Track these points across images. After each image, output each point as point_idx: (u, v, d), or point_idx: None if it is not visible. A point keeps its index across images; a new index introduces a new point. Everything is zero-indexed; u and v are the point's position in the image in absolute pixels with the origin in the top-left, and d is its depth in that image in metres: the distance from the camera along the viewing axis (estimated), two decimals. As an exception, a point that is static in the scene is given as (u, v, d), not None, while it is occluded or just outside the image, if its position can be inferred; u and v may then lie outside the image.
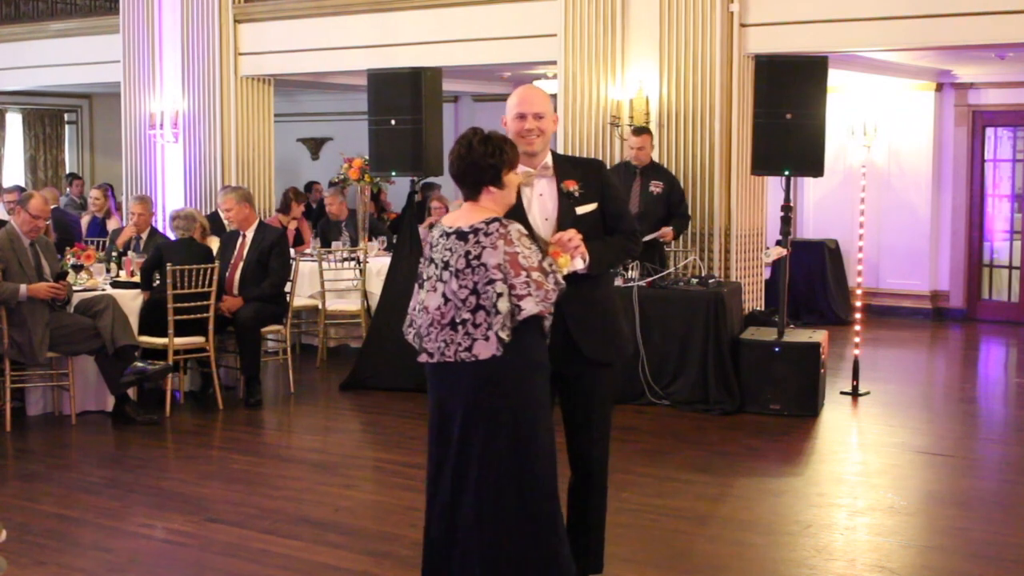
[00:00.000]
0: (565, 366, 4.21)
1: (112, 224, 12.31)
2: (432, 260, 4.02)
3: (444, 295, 3.95)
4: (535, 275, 3.88)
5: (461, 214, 4.03)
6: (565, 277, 4.03)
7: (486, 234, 3.90)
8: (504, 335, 3.87)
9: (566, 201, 4.20)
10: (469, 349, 3.89)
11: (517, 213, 4.16)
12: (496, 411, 3.92)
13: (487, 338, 3.88)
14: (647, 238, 8.15)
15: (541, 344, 4.01)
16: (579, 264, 4.07)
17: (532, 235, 4.08)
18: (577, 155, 9.58)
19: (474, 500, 3.95)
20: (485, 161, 3.95)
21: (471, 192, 4.02)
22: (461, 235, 3.95)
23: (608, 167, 9.03)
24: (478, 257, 3.89)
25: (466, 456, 3.97)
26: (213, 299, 8.04)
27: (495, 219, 3.93)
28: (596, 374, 4.28)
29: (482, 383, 3.91)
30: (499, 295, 3.87)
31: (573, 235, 4.06)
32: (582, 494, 4.38)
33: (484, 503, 3.95)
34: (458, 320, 3.91)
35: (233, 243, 8.57)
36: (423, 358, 4.04)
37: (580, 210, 4.20)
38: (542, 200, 4.24)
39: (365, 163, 10.17)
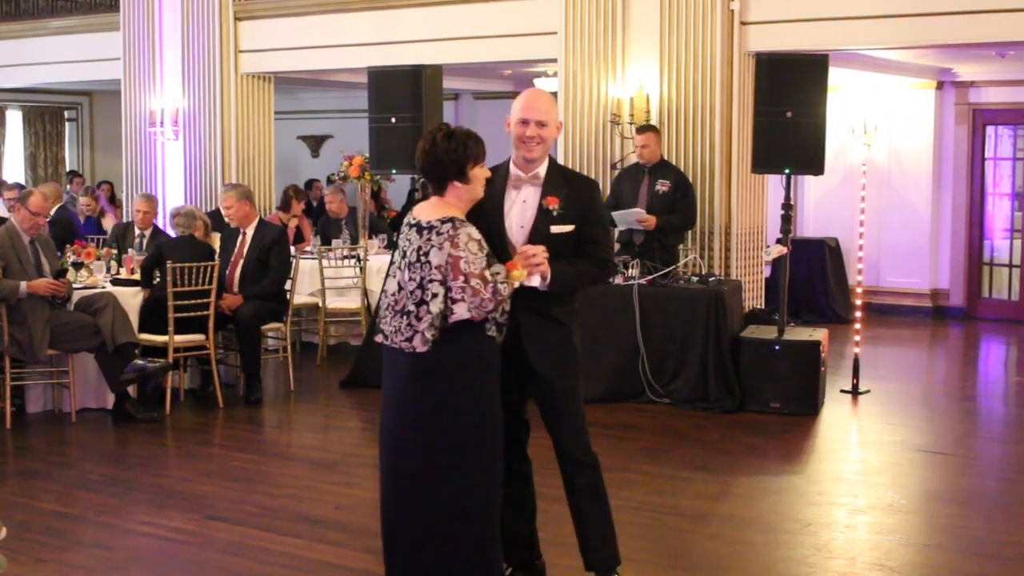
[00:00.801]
0: (520, 373, 4.24)
1: (108, 222, 12.30)
2: (398, 247, 4.13)
3: (399, 283, 4.06)
4: (474, 282, 3.92)
5: (427, 207, 4.11)
6: (526, 290, 4.07)
7: (438, 233, 3.98)
8: (430, 335, 3.95)
9: (543, 217, 4.21)
10: (409, 340, 4.00)
11: (496, 213, 4.20)
12: (425, 404, 4.01)
13: (426, 338, 3.97)
14: (619, 214, 8.16)
15: (484, 344, 4.03)
16: (535, 281, 4.09)
17: (502, 239, 4.13)
18: (576, 160, 9.60)
19: (405, 488, 4.07)
20: (448, 157, 4.02)
21: (437, 187, 4.09)
22: (420, 229, 4.04)
23: (617, 170, 9.15)
24: (427, 254, 3.98)
25: (396, 441, 4.08)
26: (213, 297, 8.04)
27: (451, 219, 3.99)
28: (566, 384, 4.31)
29: (416, 375, 4.02)
30: (434, 296, 3.95)
31: (539, 251, 4.07)
32: (574, 489, 4.38)
33: (410, 492, 4.05)
34: (406, 310, 4.01)
35: (233, 241, 8.57)
36: (379, 338, 4.15)
37: (555, 229, 4.20)
38: (523, 207, 4.26)
39: (365, 161, 10.17)
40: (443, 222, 3.99)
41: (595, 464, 4.38)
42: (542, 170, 4.27)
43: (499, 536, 4.16)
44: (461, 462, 4.02)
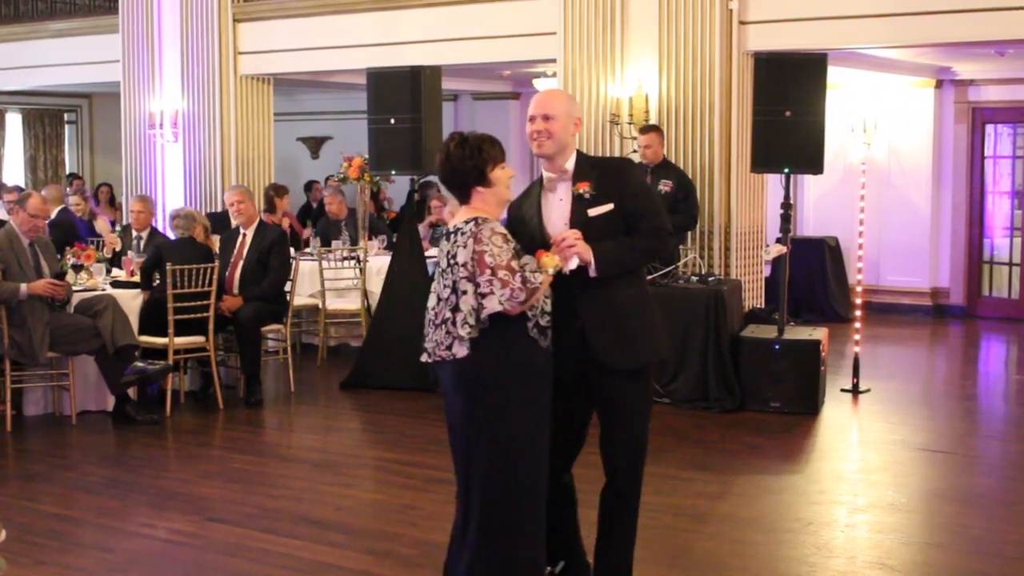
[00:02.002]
0: (589, 371, 4.15)
1: (100, 224, 12.26)
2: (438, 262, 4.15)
3: (437, 295, 4.05)
4: (501, 273, 3.89)
5: (457, 215, 4.13)
6: (584, 280, 4.01)
7: (462, 233, 3.99)
8: (464, 333, 3.93)
9: (578, 203, 4.13)
10: (449, 348, 3.98)
11: (535, 221, 4.16)
12: (472, 409, 4.01)
13: (462, 337, 3.95)
14: None
15: (524, 348, 4.00)
16: (573, 264, 4.01)
17: (546, 245, 4.06)
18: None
19: (462, 496, 4.09)
20: (464, 164, 4.02)
21: (462, 195, 4.09)
22: (448, 236, 4.07)
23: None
24: (455, 256, 3.98)
25: (457, 453, 4.10)
26: (213, 298, 8.04)
27: (474, 219, 4.00)
28: (618, 381, 4.17)
29: (460, 381, 4.01)
30: (463, 293, 3.94)
31: (569, 235, 4.00)
32: (608, 503, 4.32)
33: (466, 499, 4.07)
34: (444, 319, 4.00)
35: (233, 242, 8.57)
36: (424, 357, 4.11)
37: (593, 212, 4.10)
38: (561, 205, 4.18)
39: (365, 162, 10.16)
40: (467, 222, 4.00)
41: (637, 495, 4.30)
42: (570, 163, 4.19)
43: (533, 545, 4.10)
44: (494, 466, 4.00)
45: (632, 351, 4.16)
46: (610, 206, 4.11)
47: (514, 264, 3.92)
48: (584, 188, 4.11)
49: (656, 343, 4.26)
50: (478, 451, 4.02)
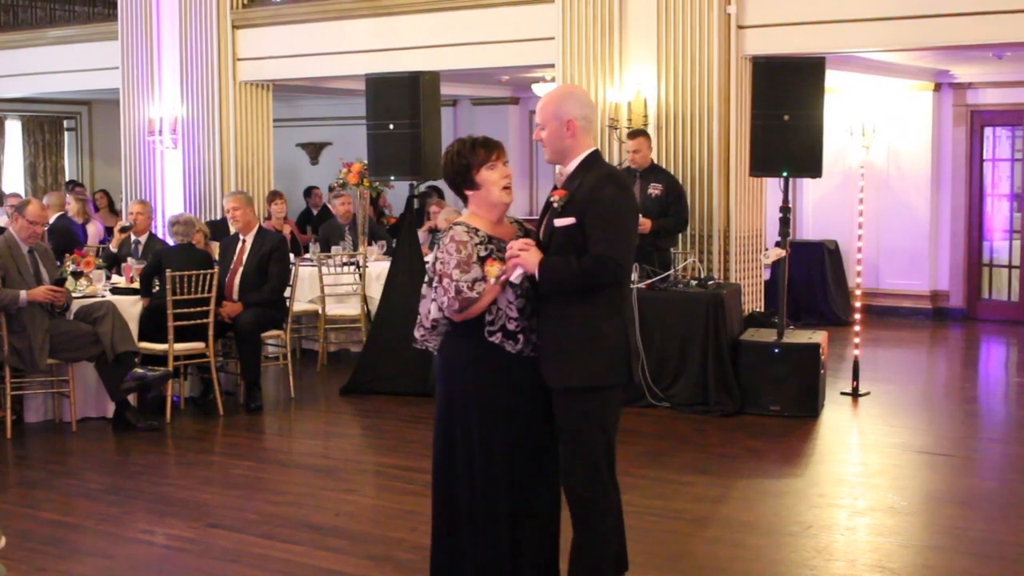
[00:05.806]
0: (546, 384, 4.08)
1: (91, 228, 12.27)
2: None
3: None
4: (444, 281, 3.99)
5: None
6: (539, 293, 4.01)
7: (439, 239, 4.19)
8: (418, 335, 4.14)
9: (552, 211, 4.09)
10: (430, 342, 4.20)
11: (547, 216, 4.19)
12: (440, 398, 4.20)
13: (415, 338, 4.19)
14: None
15: (483, 350, 4.01)
16: (515, 275, 3.94)
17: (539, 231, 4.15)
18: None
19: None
20: (449, 170, 4.16)
21: (461, 198, 4.22)
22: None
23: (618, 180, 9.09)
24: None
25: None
26: (213, 305, 8.04)
27: (454, 224, 4.11)
28: (562, 399, 4.02)
29: (436, 373, 4.24)
30: (423, 297, 4.12)
31: (515, 245, 3.96)
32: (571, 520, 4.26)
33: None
34: None
35: (233, 248, 8.57)
36: None
37: (558, 222, 4.03)
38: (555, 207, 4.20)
39: (364, 167, 10.17)
40: (448, 228, 4.10)
41: (589, 499, 4.03)
42: (571, 167, 4.13)
43: (502, 544, 4.09)
44: (452, 462, 4.12)
45: (571, 369, 3.98)
46: (572, 220, 3.99)
47: (455, 273, 3.95)
48: (555, 197, 4.06)
49: (593, 368, 3.98)
50: (436, 439, 4.20)
